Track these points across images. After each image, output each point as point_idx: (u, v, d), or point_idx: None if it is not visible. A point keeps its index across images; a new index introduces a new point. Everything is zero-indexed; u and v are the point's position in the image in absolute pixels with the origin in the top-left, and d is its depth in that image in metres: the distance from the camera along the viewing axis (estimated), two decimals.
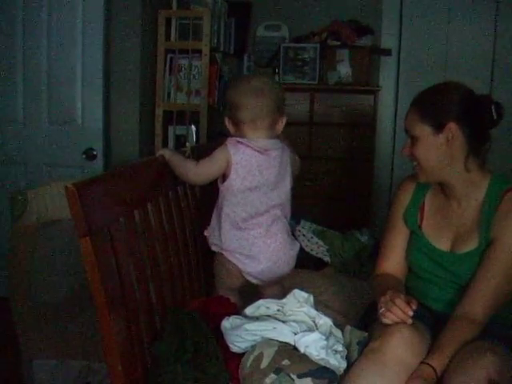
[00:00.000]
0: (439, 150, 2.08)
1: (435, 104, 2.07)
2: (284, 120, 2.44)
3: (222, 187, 2.38)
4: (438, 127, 2.05)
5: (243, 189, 2.35)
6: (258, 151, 2.36)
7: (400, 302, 1.90)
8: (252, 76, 2.47)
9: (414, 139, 2.11)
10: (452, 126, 2.04)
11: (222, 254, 2.43)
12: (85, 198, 1.64)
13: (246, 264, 2.40)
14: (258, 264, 2.40)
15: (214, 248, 2.47)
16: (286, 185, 2.47)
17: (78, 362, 2.67)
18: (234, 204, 2.37)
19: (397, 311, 1.89)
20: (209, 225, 2.51)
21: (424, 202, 2.27)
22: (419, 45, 4.80)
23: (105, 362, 1.80)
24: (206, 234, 2.52)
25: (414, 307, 1.90)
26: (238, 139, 2.36)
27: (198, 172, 2.37)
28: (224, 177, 2.38)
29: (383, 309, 1.93)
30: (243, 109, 2.34)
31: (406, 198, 2.30)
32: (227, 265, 2.43)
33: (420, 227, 2.25)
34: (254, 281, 2.46)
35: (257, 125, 2.36)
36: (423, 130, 2.08)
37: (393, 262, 2.29)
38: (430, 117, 2.06)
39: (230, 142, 2.37)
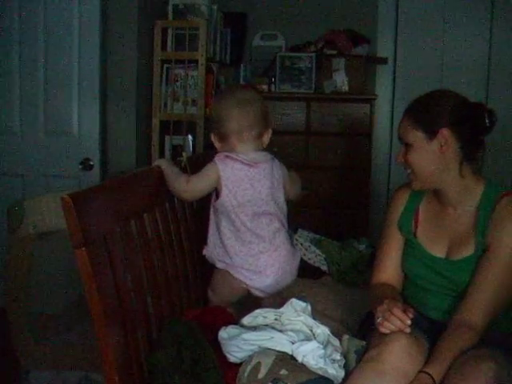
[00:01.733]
0: (433, 156, 2.08)
1: (428, 110, 2.08)
2: (270, 132, 2.44)
3: (217, 205, 2.37)
4: (431, 133, 2.06)
5: (236, 204, 2.33)
6: (247, 164, 2.34)
7: (397, 310, 1.90)
8: (234, 88, 2.47)
9: (407, 146, 2.12)
10: (445, 132, 2.05)
11: (228, 272, 2.41)
12: (81, 209, 1.64)
13: (254, 280, 2.39)
14: (265, 278, 2.39)
15: (219, 265, 2.45)
16: (280, 196, 2.46)
17: (76, 373, 2.67)
18: (232, 220, 2.36)
19: (394, 320, 1.88)
20: (206, 244, 2.50)
21: (418, 210, 2.27)
22: (415, 53, 4.82)
23: (102, 373, 1.79)
24: (204, 253, 2.50)
25: (412, 315, 1.90)
26: (226, 153, 2.35)
27: (186, 189, 2.35)
28: (217, 194, 2.37)
29: (381, 318, 1.93)
30: (229, 120, 2.34)
31: (400, 206, 2.31)
32: (232, 282, 2.42)
33: (415, 235, 2.25)
34: (260, 294, 2.45)
35: (244, 136, 2.36)
36: (416, 137, 2.09)
37: (389, 270, 2.29)
38: (423, 123, 2.07)
39: (219, 157, 2.36)
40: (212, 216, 2.45)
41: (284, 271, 2.43)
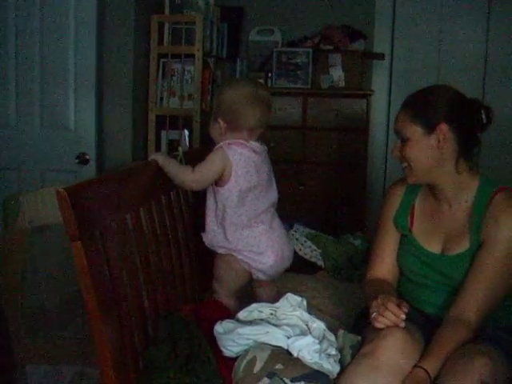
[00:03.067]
0: (430, 150, 2.08)
1: (426, 105, 2.08)
2: None
3: (223, 190, 2.39)
4: (429, 128, 2.06)
5: (244, 189, 2.38)
6: (254, 151, 2.41)
7: (392, 305, 1.90)
8: (254, 84, 2.48)
9: (404, 141, 2.11)
10: (443, 127, 2.04)
11: (231, 255, 2.46)
12: (76, 203, 1.64)
13: (256, 260, 2.44)
14: (267, 259, 2.45)
15: (220, 250, 2.49)
16: (274, 184, 2.55)
17: (71, 367, 2.66)
18: (237, 206, 2.40)
19: (389, 315, 1.89)
20: (204, 231, 2.51)
21: (414, 206, 2.27)
22: (411, 49, 4.81)
23: (97, 367, 1.79)
24: (204, 240, 2.52)
25: (406, 310, 1.90)
26: (230, 141, 2.39)
27: (196, 179, 2.38)
28: (222, 180, 2.39)
29: (375, 313, 1.93)
30: (248, 116, 2.39)
31: (395, 202, 2.31)
32: (234, 265, 2.47)
33: (410, 230, 2.25)
34: (262, 277, 2.50)
35: (255, 131, 2.43)
36: (414, 131, 2.08)
37: (384, 266, 2.29)
38: (422, 117, 2.07)
39: (224, 145, 2.39)
40: (211, 202, 2.47)
41: (283, 253, 2.49)
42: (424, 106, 2.08)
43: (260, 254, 2.44)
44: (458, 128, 2.06)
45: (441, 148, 2.07)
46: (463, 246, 2.10)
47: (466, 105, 2.09)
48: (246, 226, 2.42)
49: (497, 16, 4.67)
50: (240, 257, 2.45)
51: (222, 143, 2.40)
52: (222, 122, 2.42)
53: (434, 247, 2.18)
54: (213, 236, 2.49)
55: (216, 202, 2.44)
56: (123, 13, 3.81)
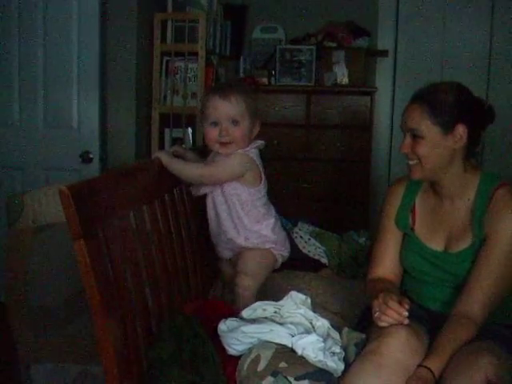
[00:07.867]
0: (445, 150, 2.06)
1: (445, 105, 2.05)
2: None
3: (255, 191, 2.47)
4: (448, 128, 2.04)
5: (266, 186, 2.52)
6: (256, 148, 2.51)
7: (393, 303, 1.89)
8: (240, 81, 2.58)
9: (417, 137, 2.07)
10: (460, 129, 2.03)
11: (268, 249, 2.56)
12: (79, 201, 1.63)
13: (287, 248, 2.63)
14: (288, 245, 2.65)
15: (267, 245, 2.56)
16: None
17: (76, 366, 2.66)
18: (266, 200, 2.53)
19: (391, 313, 1.88)
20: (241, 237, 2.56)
21: (415, 204, 2.27)
22: (415, 46, 4.80)
23: (101, 366, 1.79)
24: (250, 245, 2.54)
25: (407, 306, 1.90)
26: (251, 146, 2.46)
27: (205, 173, 2.44)
28: (248, 182, 2.44)
29: (378, 313, 1.92)
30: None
31: (396, 201, 2.30)
32: (270, 257, 2.57)
33: (412, 229, 2.24)
34: (282, 262, 2.65)
35: None
36: (432, 130, 2.05)
37: (385, 265, 2.28)
38: (441, 117, 2.04)
39: (249, 151, 2.44)
40: (248, 204, 2.49)
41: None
42: (443, 106, 2.04)
43: (283, 242, 2.60)
44: (473, 129, 2.06)
45: (454, 148, 2.06)
46: (466, 242, 2.10)
47: (477, 105, 2.09)
48: (275, 217, 2.56)
49: (501, 11, 4.66)
50: (283, 247, 2.60)
51: (246, 151, 2.43)
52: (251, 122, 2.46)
53: (437, 245, 2.17)
54: (258, 238, 2.53)
55: (253, 202, 2.49)
56: (126, 11, 3.81)
